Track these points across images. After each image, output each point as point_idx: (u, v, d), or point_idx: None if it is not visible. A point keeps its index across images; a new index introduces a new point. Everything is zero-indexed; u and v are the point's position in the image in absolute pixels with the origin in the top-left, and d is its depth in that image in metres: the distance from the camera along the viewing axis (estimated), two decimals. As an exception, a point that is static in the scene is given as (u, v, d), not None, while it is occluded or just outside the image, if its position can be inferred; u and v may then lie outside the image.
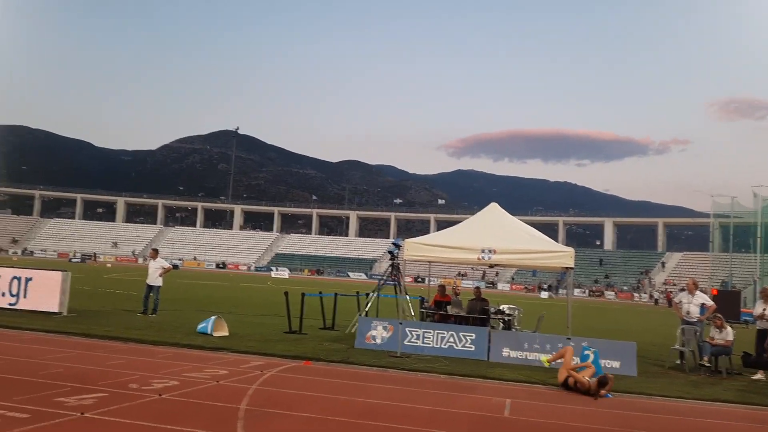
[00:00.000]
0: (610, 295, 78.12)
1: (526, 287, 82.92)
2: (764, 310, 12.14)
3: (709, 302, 13.17)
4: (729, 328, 12.35)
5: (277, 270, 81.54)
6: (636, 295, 77.15)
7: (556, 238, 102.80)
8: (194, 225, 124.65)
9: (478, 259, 12.16)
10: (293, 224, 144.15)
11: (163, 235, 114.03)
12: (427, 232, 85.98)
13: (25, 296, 14.72)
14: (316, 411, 7.06)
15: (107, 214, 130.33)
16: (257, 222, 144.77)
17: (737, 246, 55.55)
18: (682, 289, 14.70)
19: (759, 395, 10.10)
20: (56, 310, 14.43)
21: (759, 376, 11.83)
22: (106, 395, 7.04)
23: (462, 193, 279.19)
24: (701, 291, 13.41)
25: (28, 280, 14.91)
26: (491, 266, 13.30)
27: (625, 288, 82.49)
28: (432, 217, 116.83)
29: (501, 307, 14.97)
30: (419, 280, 67.08)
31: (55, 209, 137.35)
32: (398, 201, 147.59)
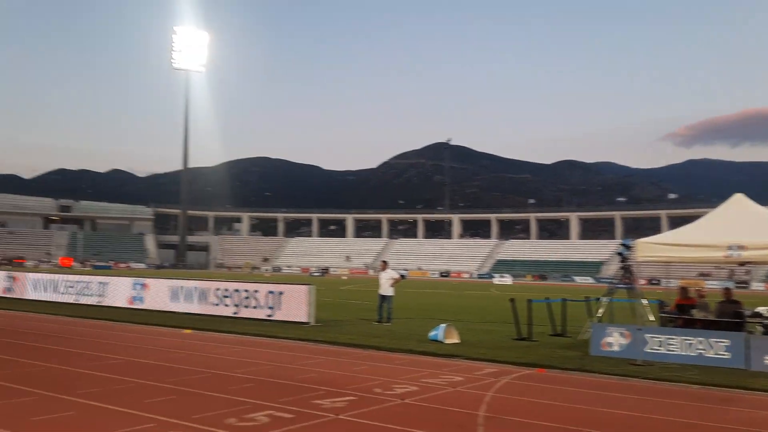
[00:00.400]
0: None
1: (786, 286, 72.31)
2: None
3: None
4: None
5: (499, 277, 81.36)
6: None
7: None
8: (416, 236, 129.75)
9: (725, 257, 10.99)
10: (511, 230, 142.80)
11: (389, 247, 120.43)
12: (657, 230, 79.59)
13: (279, 308, 16.55)
14: (555, 420, 6.91)
15: (338, 230, 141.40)
16: (475, 230, 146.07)
17: None
18: None
19: None
20: (305, 320, 15.99)
21: None
22: (354, 398, 7.63)
23: (696, 186, 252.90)
24: None
25: (280, 293, 16.77)
26: (741, 264, 11.90)
27: None
28: (663, 213, 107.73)
29: (758, 310, 13.26)
30: (654, 282, 62.16)
31: (295, 229, 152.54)
32: (621, 199, 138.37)
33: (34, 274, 25.25)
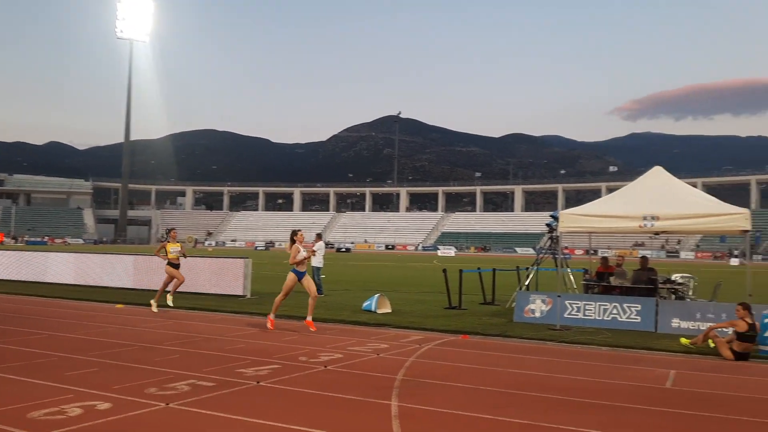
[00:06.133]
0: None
1: (714, 255, 76.06)
2: None
3: None
4: None
5: (444, 249, 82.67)
6: None
7: (747, 200, 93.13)
8: (363, 209, 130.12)
9: (640, 226, 11.58)
10: (458, 203, 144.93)
11: (336, 221, 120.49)
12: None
13: (215, 282, 16.58)
14: (470, 382, 7.30)
15: (286, 204, 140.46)
16: (422, 203, 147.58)
17: None
18: None
19: None
20: (241, 293, 16.09)
21: None
22: (279, 367, 7.85)
23: (639, 159, 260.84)
24: None
25: (217, 267, 16.79)
26: (656, 234, 12.59)
27: (837, 251, 72.53)
28: (603, 186, 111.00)
29: (672, 277, 14.08)
30: (592, 252, 64.35)
31: (241, 203, 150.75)
32: (563, 171, 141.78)
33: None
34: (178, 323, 11.88)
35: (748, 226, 10.88)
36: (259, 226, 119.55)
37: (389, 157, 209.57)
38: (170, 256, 13.50)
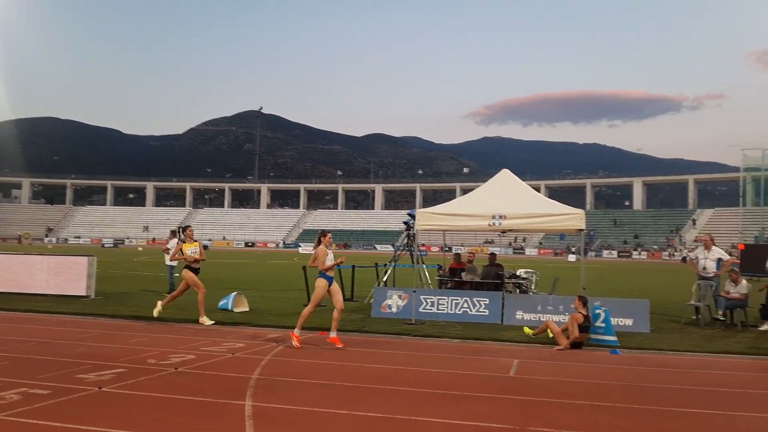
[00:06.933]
0: (640, 256, 77.33)
1: (554, 251, 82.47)
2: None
3: (726, 257, 13.08)
4: (744, 282, 12.28)
5: (304, 246, 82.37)
6: (666, 254, 76.29)
7: (584, 201, 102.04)
8: (222, 206, 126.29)
9: (489, 225, 12.23)
10: (320, 200, 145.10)
11: (193, 217, 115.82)
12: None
13: (55, 282, 15.26)
14: (326, 378, 7.31)
15: (138, 199, 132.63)
16: (284, 200, 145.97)
17: (770, 199, 54.39)
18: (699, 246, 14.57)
19: (771, 346, 10.11)
20: (84, 294, 14.96)
21: (766, 327, 11.79)
22: (124, 371, 7.38)
23: (489, 161, 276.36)
24: (717, 246, 13.27)
25: (57, 266, 15.46)
26: (503, 232, 13.38)
27: (654, 247, 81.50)
28: (458, 186, 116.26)
29: (517, 272, 15.05)
30: (446, 249, 67.20)
31: (87, 197, 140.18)
32: (420, 172, 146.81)
33: None
34: (9, 327, 10.80)
35: (583, 225, 11.89)
36: (106, 222, 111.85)
37: (250, 153, 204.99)
38: (188, 258, 11.70)
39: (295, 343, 9.33)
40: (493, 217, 12.08)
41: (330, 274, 9.79)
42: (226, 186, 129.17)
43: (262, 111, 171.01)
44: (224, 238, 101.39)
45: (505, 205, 12.31)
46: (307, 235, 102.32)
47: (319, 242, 9.86)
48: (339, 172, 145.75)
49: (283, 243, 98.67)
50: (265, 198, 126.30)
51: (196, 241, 12.17)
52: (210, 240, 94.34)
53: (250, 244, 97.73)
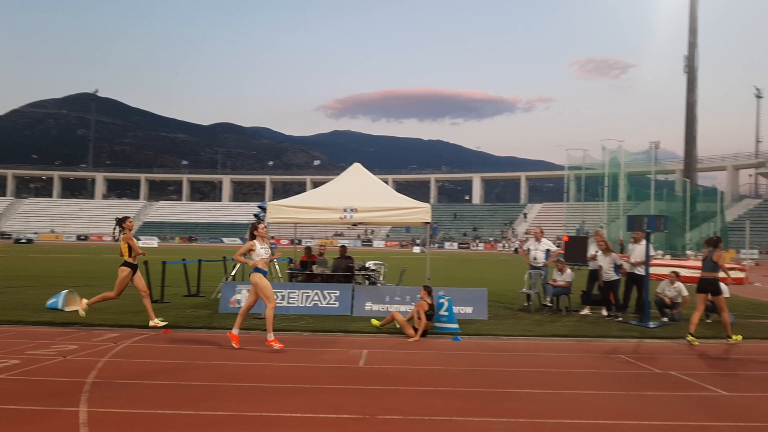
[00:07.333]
0: (478, 247, 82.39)
1: (400, 243, 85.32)
2: (596, 252, 13.39)
3: (553, 248, 14.30)
4: (569, 270, 13.52)
5: (145, 239, 77.91)
6: (500, 245, 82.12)
7: (428, 195, 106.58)
8: (51, 195, 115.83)
9: (341, 218, 12.37)
10: (163, 191, 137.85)
11: (15, 208, 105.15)
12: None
13: None
14: (170, 378, 6.99)
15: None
16: (122, 190, 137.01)
17: (589, 195, 60.28)
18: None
19: (588, 328, 11.26)
20: None
21: (586, 311, 13.15)
22: (-69, 381, 6.53)
23: (339, 154, 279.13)
24: (546, 238, 14.47)
25: None
26: (354, 225, 13.60)
27: (491, 239, 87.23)
28: (308, 178, 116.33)
29: (367, 264, 15.36)
30: (297, 242, 66.97)
31: None
32: (271, 163, 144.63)
33: None
34: None
35: (429, 218, 12.42)
36: None
37: (84, 139, 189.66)
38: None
39: (234, 343, 8.96)
40: (345, 210, 12.24)
41: (264, 268, 9.23)
42: (55, 174, 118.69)
43: (97, 94, 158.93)
44: (53, 231, 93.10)
45: (357, 198, 12.53)
46: (148, 228, 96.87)
47: (253, 236, 9.31)
48: (184, 162, 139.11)
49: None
50: (100, 188, 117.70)
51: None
52: (36, 233, 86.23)
53: (82, 237, 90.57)
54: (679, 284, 12.78)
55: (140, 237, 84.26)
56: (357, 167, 14.16)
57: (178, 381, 6.85)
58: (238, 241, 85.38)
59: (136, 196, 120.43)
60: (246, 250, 9.26)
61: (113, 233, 11.19)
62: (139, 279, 10.59)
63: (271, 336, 9.01)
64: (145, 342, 9.25)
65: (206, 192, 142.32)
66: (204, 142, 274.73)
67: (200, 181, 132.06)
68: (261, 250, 9.19)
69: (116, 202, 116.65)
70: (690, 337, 9.98)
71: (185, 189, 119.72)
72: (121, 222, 10.50)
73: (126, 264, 10.44)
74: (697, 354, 9.30)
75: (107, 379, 6.86)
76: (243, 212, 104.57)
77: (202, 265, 16.33)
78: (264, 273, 9.17)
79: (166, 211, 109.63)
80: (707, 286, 10.10)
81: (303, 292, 12.46)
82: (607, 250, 12.98)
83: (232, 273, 15.17)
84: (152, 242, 73.92)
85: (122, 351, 8.53)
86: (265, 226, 9.78)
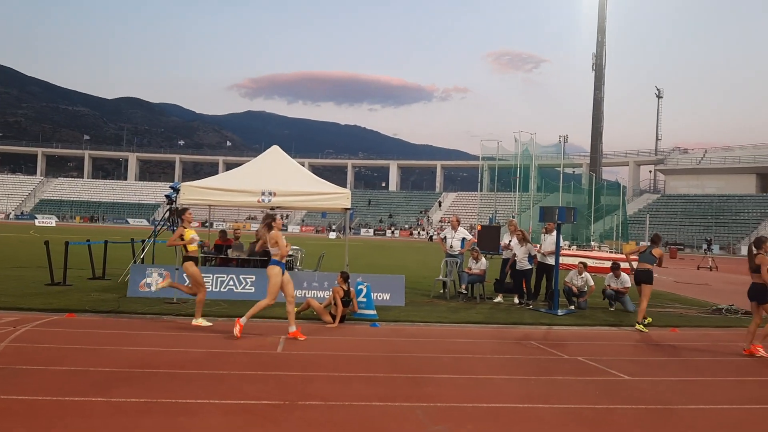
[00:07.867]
0: (393, 234, 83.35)
1: (316, 228, 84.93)
2: (509, 242, 13.84)
3: (469, 236, 14.66)
4: (483, 259, 13.91)
5: (42, 218, 73.49)
6: (415, 232, 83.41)
7: (345, 180, 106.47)
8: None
9: (258, 201, 12.12)
10: (62, 167, 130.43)
11: None
12: (215, 174, 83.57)
13: None
14: (77, 364, 6.64)
15: None
16: (16, 165, 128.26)
17: (501, 186, 62.18)
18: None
19: (502, 315, 11.65)
20: None
21: (499, 299, 13.61)
22: None
23: (253, 136, 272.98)
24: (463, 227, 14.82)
25: None
26: (272, 209, 13.33)
27: (406, 227, 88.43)
28: (221, 159, 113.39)
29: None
30: (206, 225, 65.18)
31: None
32: (181, 142, 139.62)
33: None
34: None
35: (349, 204, 12.39)
36: None
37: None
38: (189, 247, 9.56)
39: (236, 331, 8.62)
40: (263, 194, 12.02)
41: (283, 261, 8.93)
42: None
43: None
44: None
45: (275, 181, 12.31)
46: (45, 206, 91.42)
47: (270, 227, 8.94)
48: (86, 137, 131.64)
49: (15, 214, 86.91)
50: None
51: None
52: None
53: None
54: (586, 274, 13.44)
55: (36, 215, 79.29)
56: (275, 150, 13.89)
57: (86, 367, 6.52)
58: (145, 222, 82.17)
59: (32, 172, 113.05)
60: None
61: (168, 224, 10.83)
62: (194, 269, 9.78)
63: (244, 320, 8.83)
64: (48, 326, 8.74)
65: (110, 170, 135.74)
66: (108, 117, 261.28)
67: (104, 158, 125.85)
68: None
69: (9, 177, 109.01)
70: (639, 326, 10.75)
71: (87, 166, 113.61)
72: (180, 213, 9.84)
73: (188, 258, 9.71)
74: (602, 340, 9.83)
75: (9, 365, 6.43)
76: (150, 192, 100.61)
77: (108, 246, 15.58)
78: (282, 267, 8.91)
79: (66, 188, 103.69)
80: (643, 276, 10.77)
81: (217, 277, 12.16)
82: (523, 240, 13.40)
83: (142, 255, 14.56)
84: (50, 221, 69.81)
85: (23, 336, 8.01)
86: (280, 218, 9.36)
